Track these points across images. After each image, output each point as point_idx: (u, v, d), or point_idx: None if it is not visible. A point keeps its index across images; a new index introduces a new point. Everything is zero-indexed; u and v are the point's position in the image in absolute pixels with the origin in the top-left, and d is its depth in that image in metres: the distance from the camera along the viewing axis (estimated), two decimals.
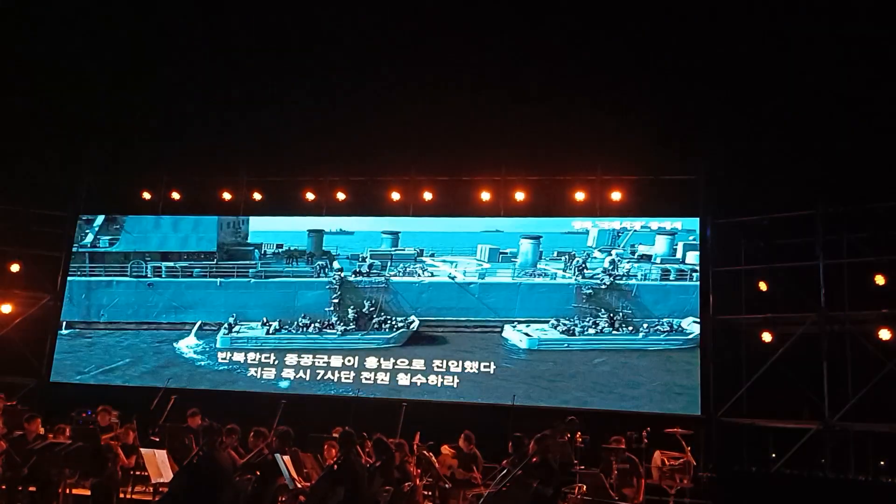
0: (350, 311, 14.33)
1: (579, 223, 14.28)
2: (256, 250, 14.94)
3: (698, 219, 13.84)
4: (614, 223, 14.05)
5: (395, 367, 14.20)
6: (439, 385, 13.98)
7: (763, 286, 13.43)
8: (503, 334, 13.77)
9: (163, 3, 14.28)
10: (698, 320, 13.20)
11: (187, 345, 14.48)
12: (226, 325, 14.48)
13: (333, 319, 14.39)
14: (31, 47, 14.65)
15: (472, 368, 13.97)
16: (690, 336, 13.17)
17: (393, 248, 14.49)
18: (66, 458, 8.92)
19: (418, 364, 14.16)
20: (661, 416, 12.40)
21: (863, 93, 12.90)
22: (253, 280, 14.68)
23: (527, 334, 13.51)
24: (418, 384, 14.05)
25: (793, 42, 13.17)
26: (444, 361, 14.07)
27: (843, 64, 12.95)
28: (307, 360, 14.44)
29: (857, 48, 12.74)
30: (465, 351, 13.62)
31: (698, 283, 13.35)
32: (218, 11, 14.30)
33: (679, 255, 13.55)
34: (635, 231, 13.81)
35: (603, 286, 13.46)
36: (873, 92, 12.74)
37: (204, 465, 7.57)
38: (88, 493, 9.60)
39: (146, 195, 15.90)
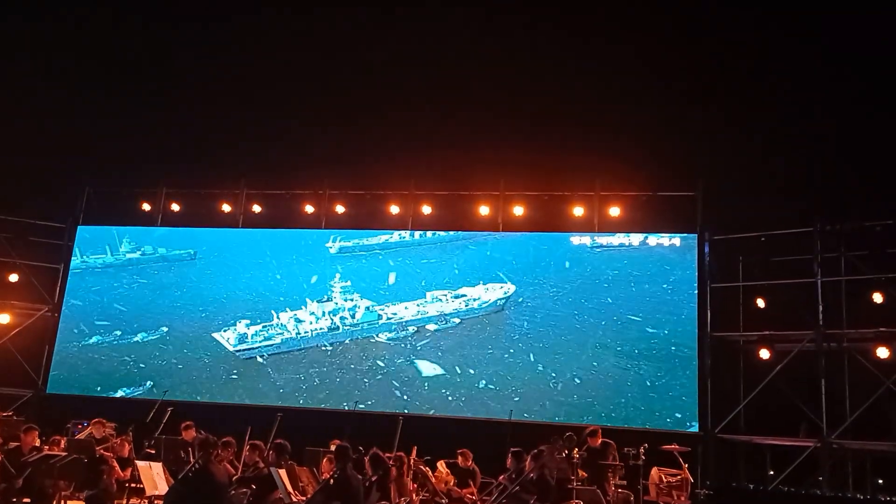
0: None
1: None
2: None
3: (696, 235, 13.88)
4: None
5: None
6: (437, 399, 13.95)
7: (761, 303, 13.44)
8: None
9: (163, 14, 14.39)
10: None
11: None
12: None
13: None
14: (31, 56, 14.74)
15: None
16: None
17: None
18: (60, 471, 8.89)
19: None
20: (658, 432, 12.36)
21: (861, 111, 12.98)
22: None
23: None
24: (416, 398, 14.02)
25: (792, 60, 13.27)
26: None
27: (842, 82, 13.03)
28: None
29: (856, 65, 12.83)
30: None
31: None
32: (219, 22, 14.42)
33: None
34: None
35: None
36: (871, 110, 12.82)
37: (199, 478, 7.54)
38: None
39: (146, 206, 15.95)
